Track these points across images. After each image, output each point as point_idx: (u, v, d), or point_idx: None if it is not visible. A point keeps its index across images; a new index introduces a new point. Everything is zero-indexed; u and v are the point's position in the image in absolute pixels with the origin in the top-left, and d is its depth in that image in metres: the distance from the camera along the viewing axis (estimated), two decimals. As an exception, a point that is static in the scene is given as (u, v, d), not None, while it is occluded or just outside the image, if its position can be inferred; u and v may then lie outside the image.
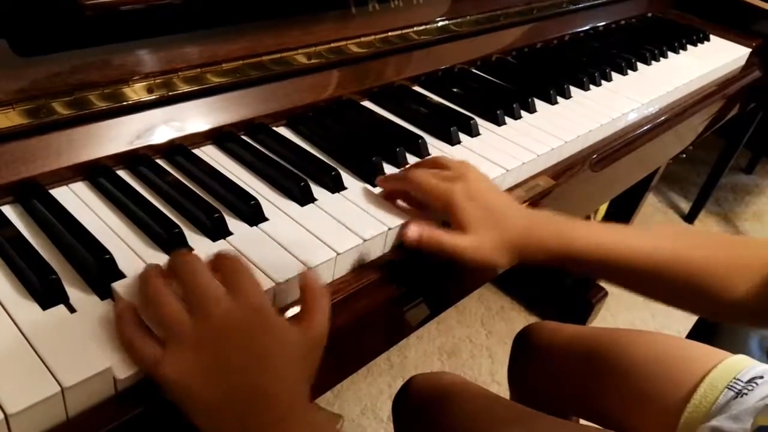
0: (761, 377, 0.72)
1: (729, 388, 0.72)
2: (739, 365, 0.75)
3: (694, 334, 0.97)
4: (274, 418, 0.44)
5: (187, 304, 0.45)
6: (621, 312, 1.85)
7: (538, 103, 0.93)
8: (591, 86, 1.02)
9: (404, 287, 0.63)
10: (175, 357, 0.44)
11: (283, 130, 0.77)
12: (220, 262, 0.48)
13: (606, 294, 1.78)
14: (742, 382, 0.72)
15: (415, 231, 0.61)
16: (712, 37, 1.38)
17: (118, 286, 0.49)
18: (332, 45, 0.81)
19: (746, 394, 0.70)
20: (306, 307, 0.49)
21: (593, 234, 0.63)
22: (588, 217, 1.74)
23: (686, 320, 0.99)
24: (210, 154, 0.70)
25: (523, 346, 0.95)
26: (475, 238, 0.60)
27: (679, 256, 0.62)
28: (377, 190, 0.68)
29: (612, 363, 0.81)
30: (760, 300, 0.60)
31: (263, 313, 0.46)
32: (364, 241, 0.60)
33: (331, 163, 0.70)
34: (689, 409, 0.73)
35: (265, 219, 0.61)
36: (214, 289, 0.45)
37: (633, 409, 0.78)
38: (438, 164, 0.65)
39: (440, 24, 0.95)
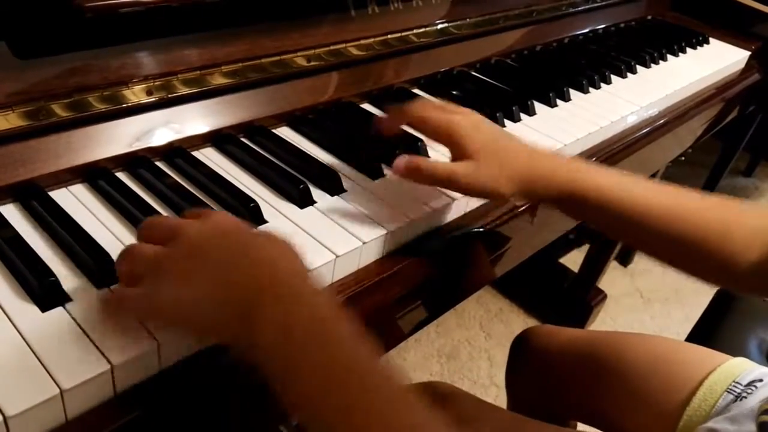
0: (760, 380, 0.72)
1: (728, 392, 0.72)
2: (739, 368, 0.75)
3: (694, 337, 0.97)
4: (287, 289, 0.43)
5: (159, 243, 0.45)
6: (620, 314, 1.85)
7: (538, 106, 0.93)
8: (590, 89, 1.02)
9: (403, 290, 0.63)
10: (162, 284, 0.43)
11: (284, 130, 0.77)
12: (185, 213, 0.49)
13: (605, 297, 1.78)
14: (741, 385, 0.72)
15: (401, 159, 0.59)
16: (711, 39, 1.38)
17: (117, 288, 0.49)
18: (331, 47, 0.81)
19: (745, 397, 0.70)
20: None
21: (595, 172, 0.62)
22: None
23: (685, 322, 0.99)
24: (209, 157, 0.70)
25: (521, 350, 0.95)
26: (472, 164, 0.59)
27: (687, 212, 0.61)
28: (378, 190, 0.68)
29: (610, 366, 0.81)
30: (756, 268, 0.59)
31: (231, 218, 0.47)
32: (364, 243, 0.60)
33: (330, 166, 0.70)
34: (688, 412, 0.73)
35: (264, 221, 0.61)
36: (174, 219, 0.47)
37: (631, 412, 0.78)
38: (434, 104, 0.65)
39: (440, 26, 0.95)
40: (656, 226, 0.61)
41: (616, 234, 0.65)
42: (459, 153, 0.59)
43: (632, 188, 0.62)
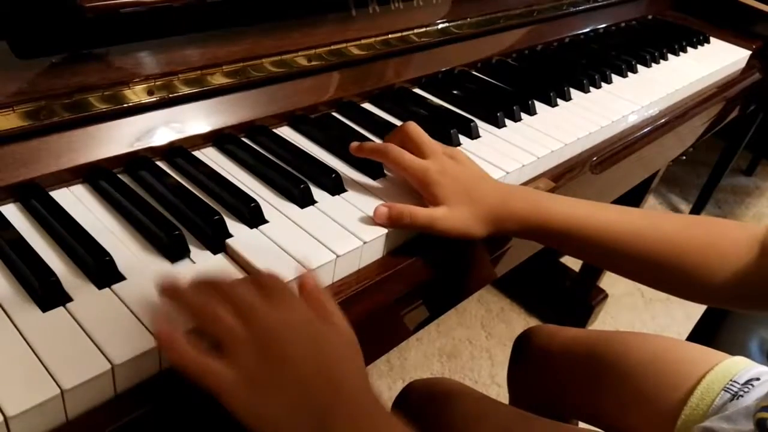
0: (758, 379, 0.72)
1: (725, 390, 0.72)
2: (737, 367, 0.75)
3: (695, 336, 0.97)
4: (345, 403, 0.44)
5: (233, 314, 0.45)
6: (621, 314, 1.85)
7: (538, 106, 0.93)
8: (591, 88, 1.02)
9: (404, 289, 0.63)
10: (239, 365, 0.43)
11: (285, 130, 0.77)
12: (259, 276, 0.49)
13: (606, 296, 1.78)
14: (738, 384, 0.72)
15: (383, 209, 0.62)
16: (712, 39, 1.38)
17: (118, 288, 0.49)
18: (332, 47, 0.81)
19: (742, 395, 0.70)
20: (323, 312, 0.49)
21: (567, 206, 0.65)
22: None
23: (686, 322, 0.99)
24: (210, 156, 0.70)
25: (522, 349, 0.95)
26: (446, 210, 0.62)
27: (656, 233, 0.63)
28: (378, 190, 0.68)
29: (609, 365, 0.81)
30: (733, 282, 0.61)
31: (309, 314, 0.47)
32: (365, 243, 0.60)
33: (330, 165, 0.70)
34: (686, 411, 0.73)
35: (265, 221, 0.61)
36: (254, 295, 0.46)
37: (630, 411, 0.78)
38: (410, 137, 0.66)
39: (440, 26, 0.95)
40: (635, 250, 0.64)
41: (594, 260, 0.68)
42: (432, 200, 0.63)
43: (606, 216, 0.64)
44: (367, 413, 0.45)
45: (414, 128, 0.67)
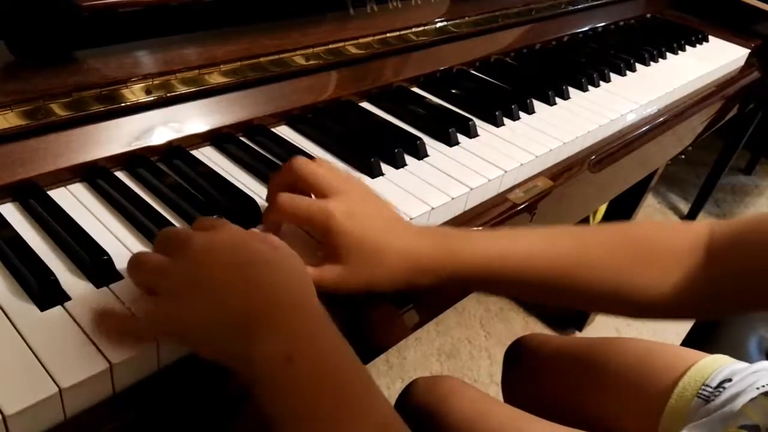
0: (729, 380, 0.72)
1: (698, 397, 0.72)
2: (710, 367, 0.74)
3: (693, 336, 0.97)
4: (283, 321, 0.42)
5: (168, 254, 0.45)
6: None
7: (537, 104, 0.93)
8: (590, 87, 1.02)
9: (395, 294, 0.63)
10: (165, 299, 0.43)
11: (283, 129, 0.77)
12: (195, 223, 0.49)
13: (605, 295, 1.78)
14: (710, 388, 0.72)
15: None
16: (710, 37, 1.38)
17: (116, 287, 0.49)
18: (330, 46, 0.81)
19: (713, 400, 0.70)
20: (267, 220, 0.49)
21: (481, 248, 0.57)
22: (585, 220, 1.75)
23: (685, 321, 0.99)
24: (208, 156, 0.70)
25: (514, 358, 0.96)
26: (344, 270, 0.53)
27: (586, 258, 0.58)
28: (376, 189, 0.68)
29: (594, 372, 0.82)
30: (677, 293, 0.57)
31: (236, 230, 0.47)
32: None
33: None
34: (664, 418, 0.73)
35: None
36: (185, 230, 0.47)
37: (614, 420, 0.79)
38: (301, 176, 0.55)
39: (439, 25, 0.95)
40: (566, 282, 0.58)
41: (530, 298, 0.63)
42: (329, 249, 0.53)
43: (528, 248, 0.58)
44: (301, 334, 0.42)
45: (304, 165, 0.55)
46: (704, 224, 0.59)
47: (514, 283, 0.58)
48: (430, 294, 0.69)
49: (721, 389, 0.71)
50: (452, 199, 0.69)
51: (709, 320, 0.73)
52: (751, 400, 0.63)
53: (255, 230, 0.50)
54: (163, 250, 0.47)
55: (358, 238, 0.53)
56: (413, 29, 0.91)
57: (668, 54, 1.24)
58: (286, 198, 0.53)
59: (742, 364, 0.74)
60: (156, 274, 0.45)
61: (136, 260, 0.47)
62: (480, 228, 0.64)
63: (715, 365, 0.75)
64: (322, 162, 0.57)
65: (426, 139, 0.79)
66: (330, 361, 0.42)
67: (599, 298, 0.60)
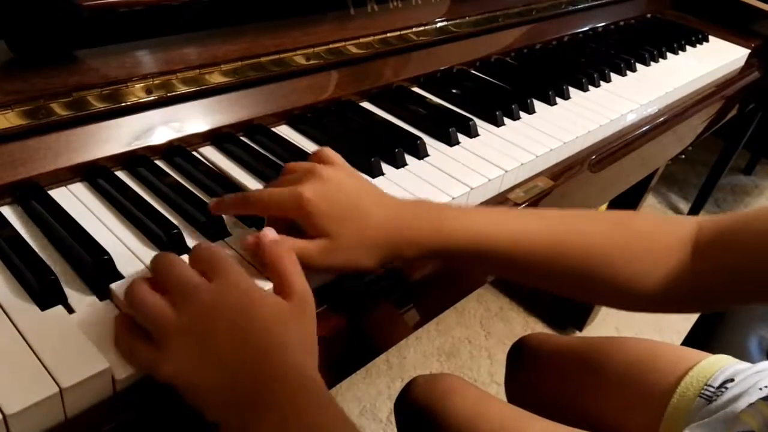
0: (732, 380, 0.71)
1: (701, 397, 0.72)
2: (712, 368, 0.74)
3: (693, 335, 0.97)
4: (280, 384, 0.43)
5: (170, 299, 0.45)
6: (619, 313, 1.84)
7: (537, 104, 0.93)
8: (590, 87, 1.02)
9: (396, 294, 0.63)
10: (168, 353, 0.43)
11: (283, 128, 0.77)
12: (196, 253, 0.48)
13: (605, 295, 1.78)
14: (713, 388, 0.72)
15: (251, 239, 0.51)
16: (711, 37, 1.38)
17: (116, 286, 0.49)
18: (331, 46, 0.81)
19: (715, 400, 0.70)
20: (276, 273, 0.48)
21: (470, 222, 0.56)
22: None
23: (685, 320, 0.99)
24: (209, 155, 0.70)
25: (517, 358, 0.96)
26: (327, 242, 0.52)
27: (579, 240, 0.57)
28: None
29: (595, 372, 0.82)
30: (665, 286, 0.57)
31: (242, 288, 0.46)
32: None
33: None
34: (666, 418, 0.73)
35: (263, 219, 0.61)
36: (191, 277, 0.46)
37: (616, 421, 0.79)
38: (284, 175, 0.56)
39: (439, 25, 0.95)
40: (556, 262, 0.57)
41: (514, 277, 0.61)
42: (311, 229, 0.52)
43: (521, 226, 0.57)
44: (300, 401, 0.43)
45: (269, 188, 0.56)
46: (693, 220, 0.59)
47: (500, 260, 0.57)
48: (430, 294, 0.69)
49: (723, 389, 0.71)
50: (453, 198, 0.69)
51: (693, 313, 0.73)
52: (750, 405, 0.63)
53: (260, 287, 0.49)
54: (166, 288, 0.46)
55: (336, 213, 0.52)
56: (414, 29, 0.91)
57: (668, 54, 1.24)
58: (257, 192, 0.54)
59: (745, 364, 0.74)
60: (158, 320, 0.44)
61: (137, 295, 0.46)
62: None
63: (718, 365, 0.75)
64: (283, 172, 0.57)
65: (426, 138, 0.79)
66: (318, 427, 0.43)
67: (586, 284, 0.59)
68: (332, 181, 0.54)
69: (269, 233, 0.51)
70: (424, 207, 0.58)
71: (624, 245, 0.58)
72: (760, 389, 0.68)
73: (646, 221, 0.62)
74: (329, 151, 0.58)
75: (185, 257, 0.49)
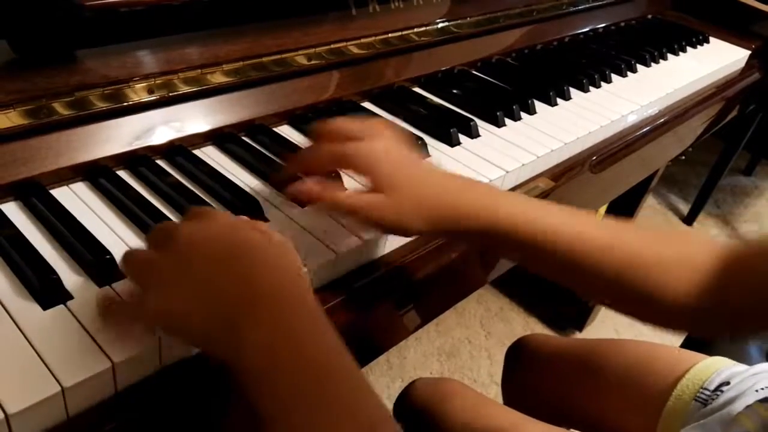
0: (728, 383, 0.71)
1: (696, 400, 0.72)
2: (708, 370, 0.74)
3: (691, 338, 0.97)
4: (266, 307, 0.42)
5: (157, 247, 0.45)
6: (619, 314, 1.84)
7: (538, 105, 0.93)
8: (591, 88, 1.02)
9: (396, 294, 0.63)
10: (153, 292, 0.43)
11: (285, 128, 0.77)
12: (188, 211, 0.49)
13: (605, 295, 1.78)
14: (708, 391, 0.72)
15: (302, 185, 0.53)
16: (711, 38, 1.38)
17: (118, 286, 0.49)
18: (332, 46, 0.81)
19: (711, 403, 0.70)
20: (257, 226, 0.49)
21: (521, 209, 0.55)
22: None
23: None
24: (210, 155, 0.70)
25: (515, 358, 0.96)
26: (384, 198, 0.53)
27: (616, 243, 0.56)
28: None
29: (593, 373, 0.82)
30: (701, 300, 0.56)
31: (226, 220, 0.46)
32: (365, 242, 0.60)
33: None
34: (663, 420, 0.73)
35: (266, 220, 0.61)
36: (174, 222, 0.47)
37: (614, 422, 0.79)
38: (342, 130, 0.56)
39: (440, 25, 0.95)
40: (604, 266, 0.56)
41: (555, 276, 0.59)
42: (376, 181, 0.53)
43: (580, 226, 0.56)
44: (285, 324, 0.42)
45: (334, 125, 0.58)
46: (722, 243, 0.58)
47: (557, 258, 0.56)
48: (430, 295, 0.69)
49: (719, 392, 0.71)
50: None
51: (724, 337, 0.72)
52: (748, 407, 0.63)
53: (244, 218, 0.50)
54: (152, 244, 0.47)
55: (395, 169, 0.53)
56: (415, 29, 0.91)
57: (669, 55, 1.24)
58: (324, 145, 0.55)
59: (741, 367, 0.74)
60: (143, 269, 0.45)
61: (125, 256, 0.47)
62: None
63: (714, 367, 0.75)
64: (342, 125, 0.57)
65: (427, 139, 0.79)
66: (311, 355, 0.42)
67: (620, 291, 0.58)
68: (397, 143, 0.55)
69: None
70: (481, 187, 0.58)
71: (661, 257, 0.57)
72: (757, 391, 0.68)
73: (681, 239, 0.61)
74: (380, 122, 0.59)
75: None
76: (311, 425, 0.40)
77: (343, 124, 0.57)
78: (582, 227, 0.56)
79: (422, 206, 0.54)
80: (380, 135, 0.55)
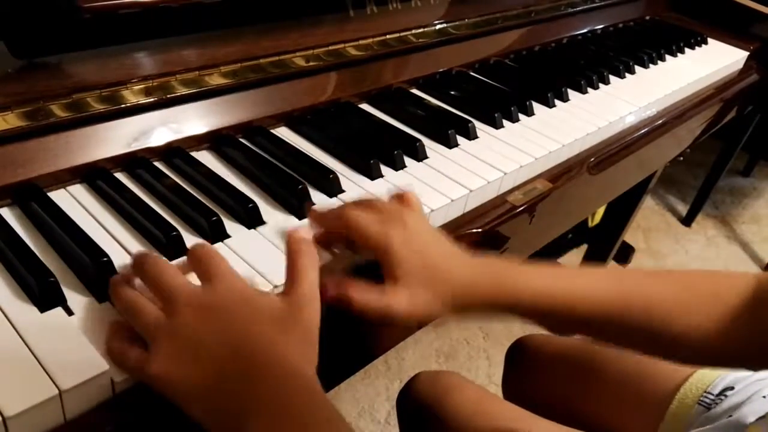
0: (732, 388, 0.71)
1: (699, 404, 0.72)
2: (712, 374, 0.74)
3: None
4: (268, 387, 0.43)
5: (160, 303, 0.45)
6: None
7: (536, 107, 0.93)
8: (589, 89, 1.02)
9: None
10: (158, 355, 0.43)
11: (282, 130, 0.77)
12: (193, 253, 0.49)
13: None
14: (712, 395, 0.72)
15: (333, 289, 0.52)
16: (709, 40, 1.38)
17: (115, 288, 0.49)
18: (330, 48, 0.81)
19: (714, 407, 0.70)
20: (288, 266, 0.49)
21: (540, 282, 0.57)
22: (584, 221, 1.75)
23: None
24: (207, 157, 0.70)
25: (515, 359, 0.96)
26: (408, 294, 0.53)
27: (630, 298, 0.57)
28: (377, 190, 0.68)
29: (592, 375, 0.82)
30: (738, 335, 0.56)
31: (236, 290, 0.46)
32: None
33: (328, 166, 0.70)
34: (665, 424, 0.73)
35: (263, 222, 0.61)
36: (181, 282, 0.46)
37: (617, 419, 0.79)
38: (374, 206, 0.57)
39: (438, 27, 0.95)
40: (628, 319, 0.57)
41: (578, 332, 0.62)
42: (389, 273, 0.53)
43: (591, 285, 0.57)
44: (283, 399, 0.43)
45: (375, 198, 0.59)
46: (751, 275, 0.58)
47: (568, 318, 0.58)
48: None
49: (722, 397, 0.71)
50: (452, 201, 0.69)
51: (756, 371, 0.73)
52: (759, 419, 0.62)
53: (255, 288, 0.50)
54: (158, 295, 0.46)
55: (418, 264, 0.53)
56: (413, 31, 0.91)
57: (667, 56, 1.24)
58: (356, 212, 0.55)
59: (745, 372, 0.74)
60: (149, 324, 0.45)
61: (128, 305, 0.46)
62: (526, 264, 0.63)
63: (717, 372, 0.74)
64: (372, 201, 0.58)
65: (425, 140, 0.79)
66: None
67: (647, 340, 0.59)
68: (418, 232, 0.55)
69: (301, 231, 0.53)
70: (497, 267, 0.58)
71: (681, 299, 0.57)
72: (764, 397, 0.68)
73: (705, 278, 0.61)
74: (413, 197, 0.60)
75: (184, 260, 0.49)
76: None
77: (377, 204, 0.57)
78: (597, 292, 0.57)
79: (440, 300, 0.54)
80: (405, 222, 0.55)
